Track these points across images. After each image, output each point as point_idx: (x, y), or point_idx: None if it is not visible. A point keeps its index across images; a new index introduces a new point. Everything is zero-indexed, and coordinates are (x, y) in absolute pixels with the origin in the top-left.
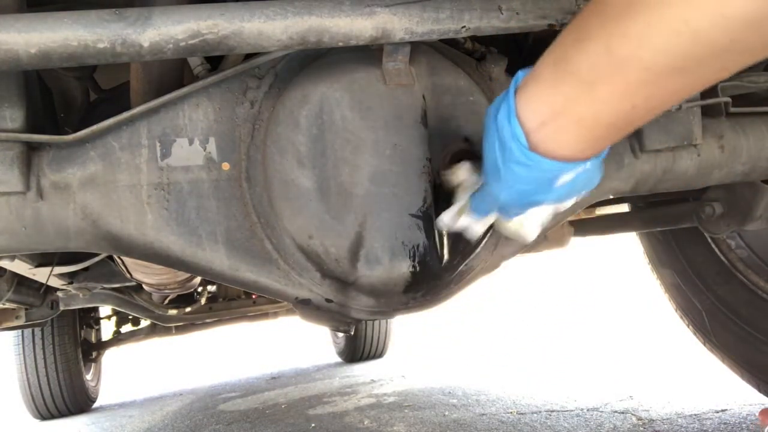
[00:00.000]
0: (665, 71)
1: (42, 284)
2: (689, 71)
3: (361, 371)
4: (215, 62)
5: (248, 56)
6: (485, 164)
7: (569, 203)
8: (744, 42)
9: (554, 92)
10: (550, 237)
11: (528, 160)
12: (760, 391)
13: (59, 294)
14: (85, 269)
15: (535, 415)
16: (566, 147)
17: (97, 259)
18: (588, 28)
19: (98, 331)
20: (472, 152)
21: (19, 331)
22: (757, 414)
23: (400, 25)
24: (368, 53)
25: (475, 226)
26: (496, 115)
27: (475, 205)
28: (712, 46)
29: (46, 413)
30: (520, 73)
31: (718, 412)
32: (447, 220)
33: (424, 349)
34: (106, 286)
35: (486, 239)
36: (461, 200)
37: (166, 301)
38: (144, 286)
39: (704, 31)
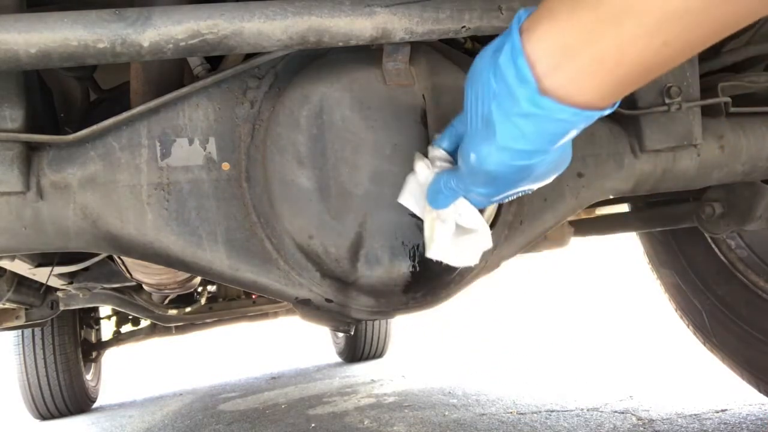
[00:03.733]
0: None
1: (42, 284)
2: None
3: (361, 371)
4: (215, 62)
5: (248, 56)
6: (469, 126)
7: (535, 187)
8: None
9: (572, 27)
10: (550, 237)
11: (539, 109)
12: (760, 391)
13: (59, 294)
14: (85, 269)
15: (535, 415)
16: (586, 91)
17: (97, 259)
18: None
19: (98, 331)
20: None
21: (19, 331)
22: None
23: (400, 25)
24: (368, 53)
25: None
26: (494, 60)
27: (433, 193)
28: None
29: (46, 413)
30: (522, 12)
31: (718, 412)
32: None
33: (424, 349)
34: (106, 286)
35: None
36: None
37: (166, 301)
38: (144, 286)
39: None
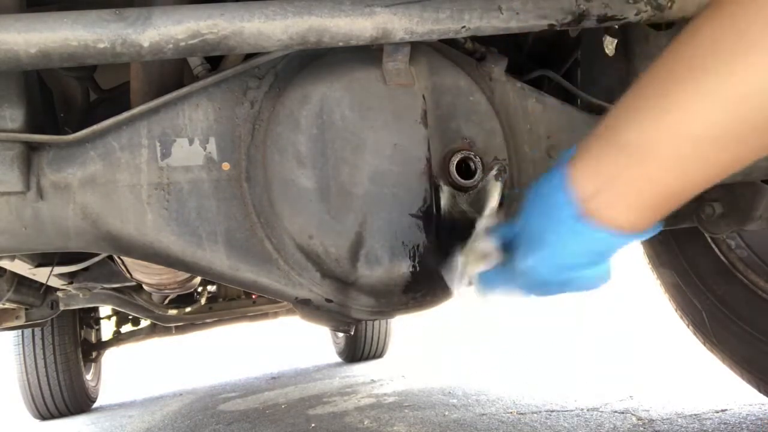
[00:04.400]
0: (716, 143)
1: (42, 284)
2: (741, 142)
3: (361, 371)
4: (215, 62)
5: (248, 56)
6: (526, 237)
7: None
8: None
9: (607, 162)
10: None
11: (581, 229)
12: (760, 391)
13: (59, 294)
14: (85, 269)
15: (535, 415)
16: (622, 216)
17: (97, 259)
18: (636, 100)
19: (98, 331)
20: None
21: (19, 331)
22: None
23: (400, 25)
24: (368, 53)
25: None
26: (544, 187)
27: (487, 280)
28: (760, 118)
29: (46, 413)
30: (569, 151)
31: (718, 412)
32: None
33: (424, 349)
34: (106, 286)
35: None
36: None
37: (166, 301)
38: (144, 286)
39: (754, 101)
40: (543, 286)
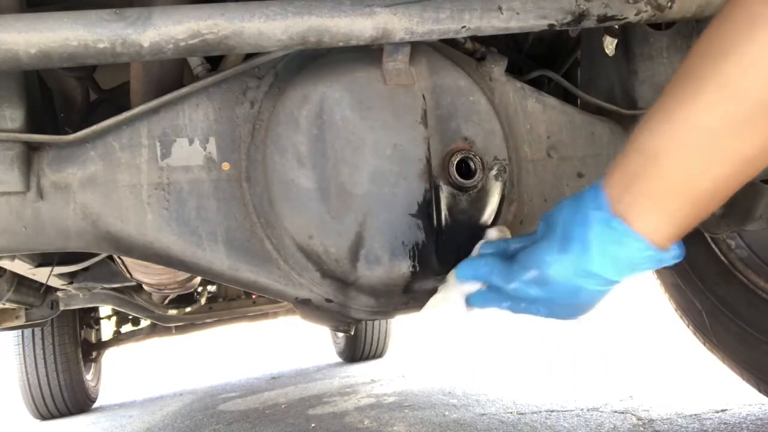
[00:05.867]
0: (719, 133)
1: (42, 284)
2: (745, 133)
3: (361, 371)
4: (215, 62)
5: (248, 56)
6: (547, 246)
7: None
8: None
9: (629, 167)
10: None
11: (610, 230)
12: (760, 391)
13: (59, 294)
14: (85, 269)
15: (535, 415)
16: (644, 219)
17: (97, 259)
18: (653, 106)
19: (98, 331)
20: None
21: (19, 331)
22: None
23: (400, 25)
24: (368, 53)
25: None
26: (577, 199)
27: (478, 299)
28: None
29: (46, 413)
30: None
31: (718, 412)
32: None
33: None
34: (106, 286)
35: (485, 239)
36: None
37: (166, 301)
38: (144, 286)
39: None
40: (547, 298)
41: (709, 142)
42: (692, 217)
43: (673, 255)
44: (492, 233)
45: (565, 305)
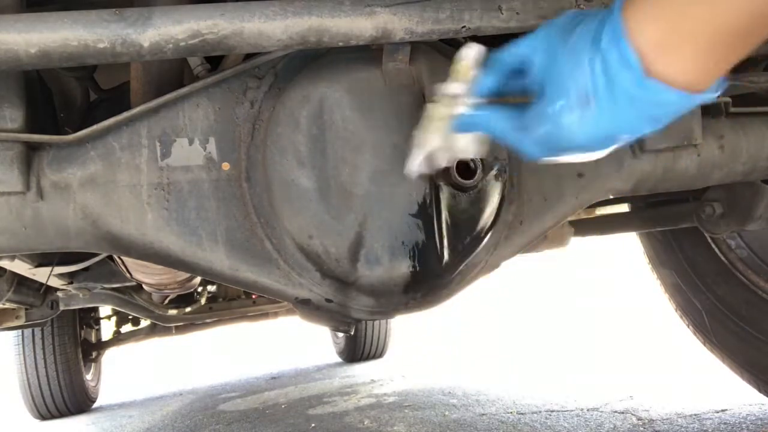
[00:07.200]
0: None
1: (42, 284)
2: None
3: (361, 371)
4: (215, 62)
5: (248, 56)
6: (555, 97)
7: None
8: None
9: (669, 3)
10: (550, 237)
11: (643, 91)
12: (760, 391)
13: (59, 294)
14: (85, 269)
15: (535, 415)
16: (686, 70)
17: (97, 259)
18: None
19: (98, 331)
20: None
21: (19, 331)
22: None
23: (400, 25)
24: (368, 53)
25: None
26: (595, 42)
27: (471, 121)
28: None
29: (46, 413)
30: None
31: (718, 412)
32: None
33: (424, 349)
34: (106, 286)
35: (486, 239)
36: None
37: (166, 301)
38: (144, 286)
39: None
40: (565, 146)
41: None
42: (734, 55)
43: (713, 91)
44: (469, 52)
45: (585, 153)
